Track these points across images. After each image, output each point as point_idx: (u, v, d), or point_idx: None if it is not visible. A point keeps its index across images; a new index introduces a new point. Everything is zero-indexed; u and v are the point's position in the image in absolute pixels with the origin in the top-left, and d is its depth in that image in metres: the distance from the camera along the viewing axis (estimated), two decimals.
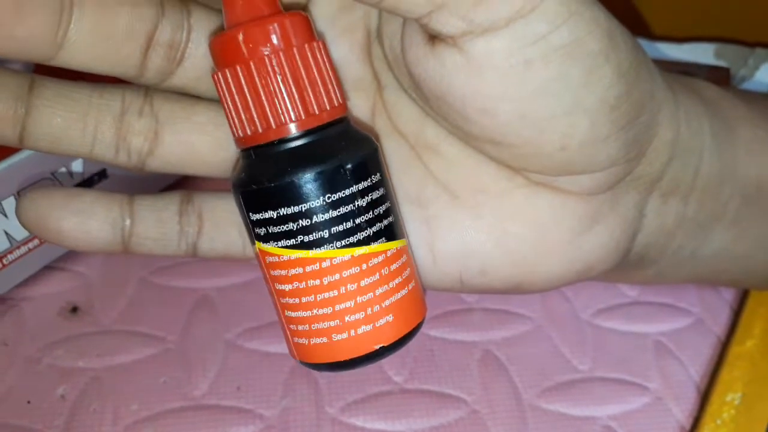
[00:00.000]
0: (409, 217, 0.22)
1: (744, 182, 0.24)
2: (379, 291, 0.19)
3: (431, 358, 0.32)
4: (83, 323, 0.33)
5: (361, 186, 0.19)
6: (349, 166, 0.19)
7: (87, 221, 0.21)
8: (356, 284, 0.19)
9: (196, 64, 0.20)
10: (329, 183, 0.19)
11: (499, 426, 0.30)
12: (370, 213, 0.19)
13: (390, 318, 0.19)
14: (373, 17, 0.21)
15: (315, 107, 0.19)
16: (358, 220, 0.19)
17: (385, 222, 0.20)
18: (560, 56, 0.18)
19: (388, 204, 0.20)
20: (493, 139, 0.19)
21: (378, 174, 0.20)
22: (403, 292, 0.20)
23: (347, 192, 0.19)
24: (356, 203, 0.19)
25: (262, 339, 0.33)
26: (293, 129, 0.19)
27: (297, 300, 0.19)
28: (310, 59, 0.19)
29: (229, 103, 0.19)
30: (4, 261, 0.32)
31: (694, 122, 0.23)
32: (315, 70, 0.19)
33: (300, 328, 0.20)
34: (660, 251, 0.24)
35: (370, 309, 0.19)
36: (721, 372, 0.31)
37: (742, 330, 0.33)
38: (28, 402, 0.30)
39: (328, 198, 0.19)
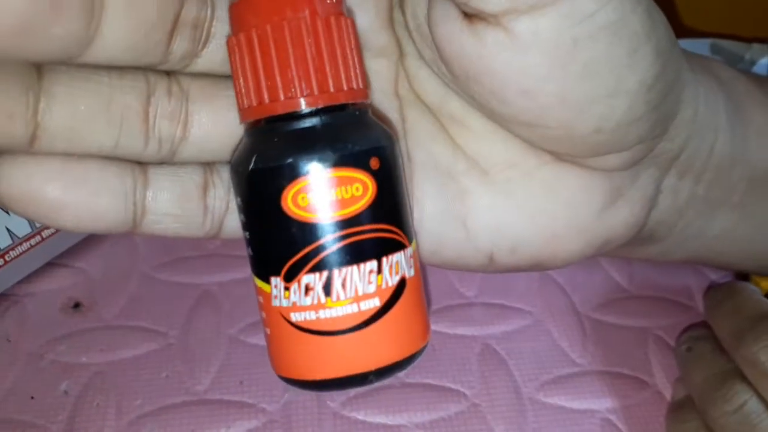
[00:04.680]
0: (443, 189, 0.21)
1: (753, 165, 0.25)
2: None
3: (431, 353, 0.33)
4: (86, 319, 0.33)
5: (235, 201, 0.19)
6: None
7: (94, 194, 0.17)
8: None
9: (222, 45, 0.18)
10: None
11: (499, 419, 0.30)
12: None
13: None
14: None
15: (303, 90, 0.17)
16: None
17: (249, 251, 0.19)
18: (606, 35, 0.17)
19: (246, 234, 0.18)
20: (528, 122, 0.19)
21: (238, 198, 0.18)
22: (266, 330, 0.20)
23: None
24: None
25: None
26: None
27: None
28: (330, 34, 0.17)
29: (239, 69, 0.17)
30: (6, 258, 0.32)
31: (711, 101, 0.23)
32: (329, 47, 0.17)
33: None
34: (669, 229, 0.24)
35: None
36: None
37: None
38: (32, 398, 0.30)
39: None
